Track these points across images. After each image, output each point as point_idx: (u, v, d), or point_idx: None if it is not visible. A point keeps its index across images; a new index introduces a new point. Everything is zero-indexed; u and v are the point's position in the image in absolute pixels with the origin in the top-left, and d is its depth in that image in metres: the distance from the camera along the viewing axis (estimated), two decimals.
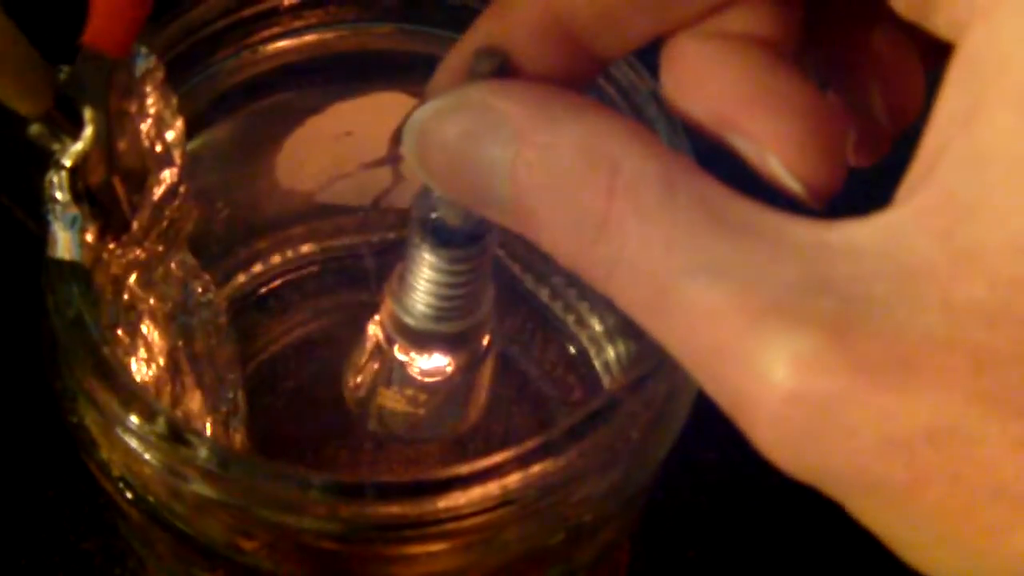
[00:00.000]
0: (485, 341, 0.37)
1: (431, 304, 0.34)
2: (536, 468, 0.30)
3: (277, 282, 0.49)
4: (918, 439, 0.19)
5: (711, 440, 0.52)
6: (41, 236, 0.32)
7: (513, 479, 0.29)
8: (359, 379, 0.39)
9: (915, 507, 0.20)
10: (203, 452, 0.29)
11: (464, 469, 0.29)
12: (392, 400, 0.38)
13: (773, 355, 0.20)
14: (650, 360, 0.31)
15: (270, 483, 0.29)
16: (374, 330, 0.37)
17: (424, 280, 0.33)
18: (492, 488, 0.29)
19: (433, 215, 0.31)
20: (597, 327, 0.47)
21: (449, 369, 0.37)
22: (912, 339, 0.19)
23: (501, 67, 0.25)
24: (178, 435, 0.29)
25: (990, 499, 0.19)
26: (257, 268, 0.48)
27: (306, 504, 0.29)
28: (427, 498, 0.29)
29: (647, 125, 0.35)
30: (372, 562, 0.32)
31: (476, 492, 0.29)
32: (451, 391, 0.38)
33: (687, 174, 0.22)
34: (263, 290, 0.49)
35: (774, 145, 0.24)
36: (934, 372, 0.19)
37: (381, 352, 0.37)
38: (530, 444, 0.30)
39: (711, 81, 0.25)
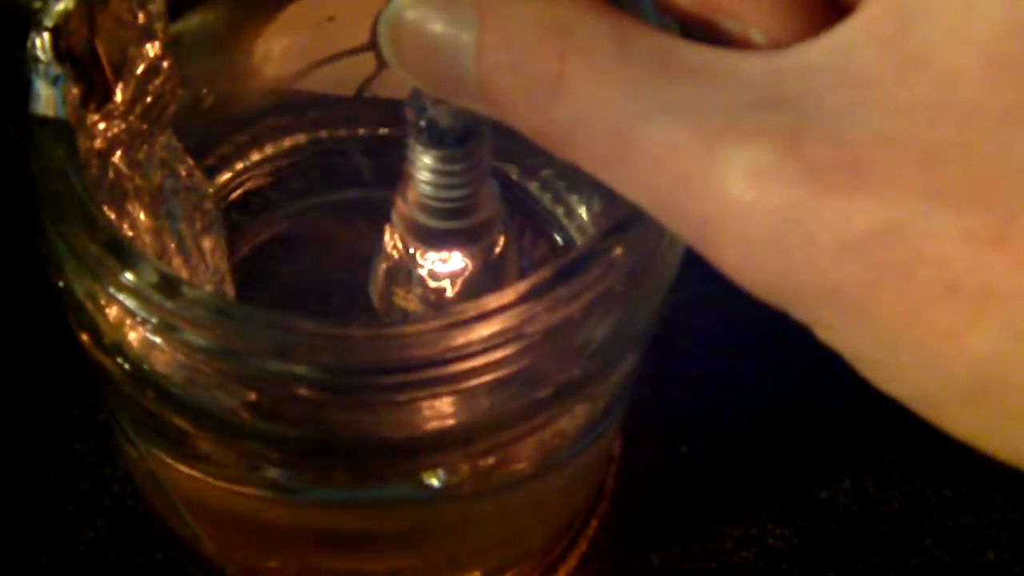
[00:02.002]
0: (500, 241, 0.38)
1: (432, 203, 0.35)
2: (517, 314, 0.30)
3: (261, 180, 0.49)
4: (870, 239, 0.19)
5: (701, 336, 0.53)
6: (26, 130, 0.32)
7: (498, 322, 0.30)
8: (380, 282, 0.39)
9: (872, 312, 0.20)
10: (194, 299, 0.29)
11: (449, 315, 0.30)
12: (412, 302, 0.39)
13: (730, 171, 0.20)
14: (623, 213, 0.31)
15: (261, 328, 0.29)
16: (389, 233, 0.38)
17: (423, 181, 0.34)
18: (477, 331, 0.30)
19: (425, 115, 0.32)
20: (584, 216, 0.47)
21: (465, 268, 0.37)
22: (862, 142, 0.20)
23: None
24: (170, 285, 0.30)
25: (943, 297, 0.19)
26: (240, 165, 0.48)
27: (294, 349, 0.29)
28: (412, 341, 0.29)
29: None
30: (359, 419, 0.32)
31: (460, 338, 0.30)
32: (473, 291, 0.38)
33: (639, 30, 0.23)
34: (247, 187, 0.49)
35: (758, 19, 0.24)
36: (884, 171, 0.20)
37: (397, 254, 0.38)
38: (512, 291, 0.30)
39: None
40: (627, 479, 0.51)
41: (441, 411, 0.32)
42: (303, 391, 0.31)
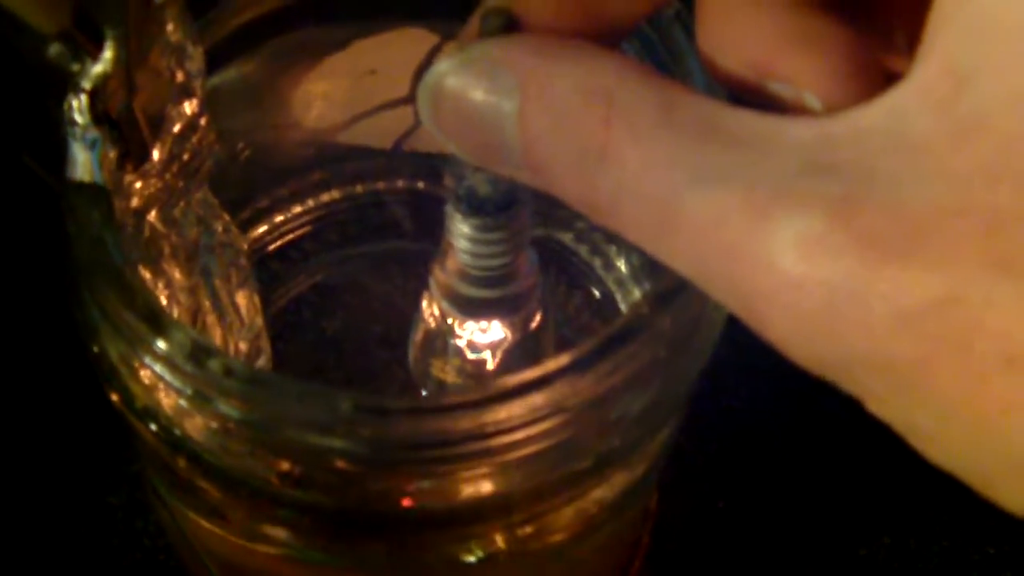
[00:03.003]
0: (539, 311, 0.37)
1: (471, 271, 0.34)
2: (561, 387, 0.29)
3: (298, 232, 0.49)
4: (928, 311, 0.19)
5: (739, 389, 0.52)
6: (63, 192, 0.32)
7: (538, 397, 0.29)
8: (417, 352, 0.39)
9: (927, 385, 0.19)
10: (229, 371, 0.29)
11: (490, 389, 0.29)
12: (450, 374, 0.38)
13: (780, 242, 0.20)
14: (672, 280, 0.31)
15: (297, 401, 0.29)
16: (427, 303, 0.37)
17: (462, 249, 0.33)
18: (518, 406, 0.29)
19: (464, 183, 0.32)
20: (623, 269, 0.46)
21: (505, 339, 0.37)
22: (919, 210, 0.19)
23: (509, 24, 0.26)
24: (203, 355, 0.29)
25: (1002, 370, 0.18)
26: (279, 218, 0.48)
27: (332, 423, 0.29)
28: (452, 416, 0.29)
29: (675, 52, 0.35)
30: (398, 488, 0.32)
31: (501, 412, 0.29)
32: (513, 361, 0.38)
33: (684, 96, 0.22)
34: (285, 240, 0.49)
35: (812, 84, 0.24)
36: (942, 241, 0.19)
37: (434, 323, 0.37)
38: (555, 363, 0.29)
39: (744, 29, 0.25)
40: (664, 535, 0.50)
41: (479, 484, 0.31)
42: (339, 463, 0.30)
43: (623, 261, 0.47)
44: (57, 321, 0.34)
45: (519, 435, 0.29)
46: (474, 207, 0.32)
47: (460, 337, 0.36)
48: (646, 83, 0.23)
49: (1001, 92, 0.19)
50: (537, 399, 0.29)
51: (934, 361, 0.19)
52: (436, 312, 0.36)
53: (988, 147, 0.19)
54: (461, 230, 0.33)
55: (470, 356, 0.37)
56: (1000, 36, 0.19)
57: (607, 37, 0.26)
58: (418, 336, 0.38)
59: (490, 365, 0.37)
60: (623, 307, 0.47)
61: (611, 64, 0.23)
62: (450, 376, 0.38)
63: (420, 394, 0.40)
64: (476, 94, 0.24)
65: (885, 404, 0.20)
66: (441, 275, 0.35)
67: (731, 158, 0.21)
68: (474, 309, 0.35)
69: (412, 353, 0.39)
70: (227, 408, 0.29)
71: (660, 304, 0.30)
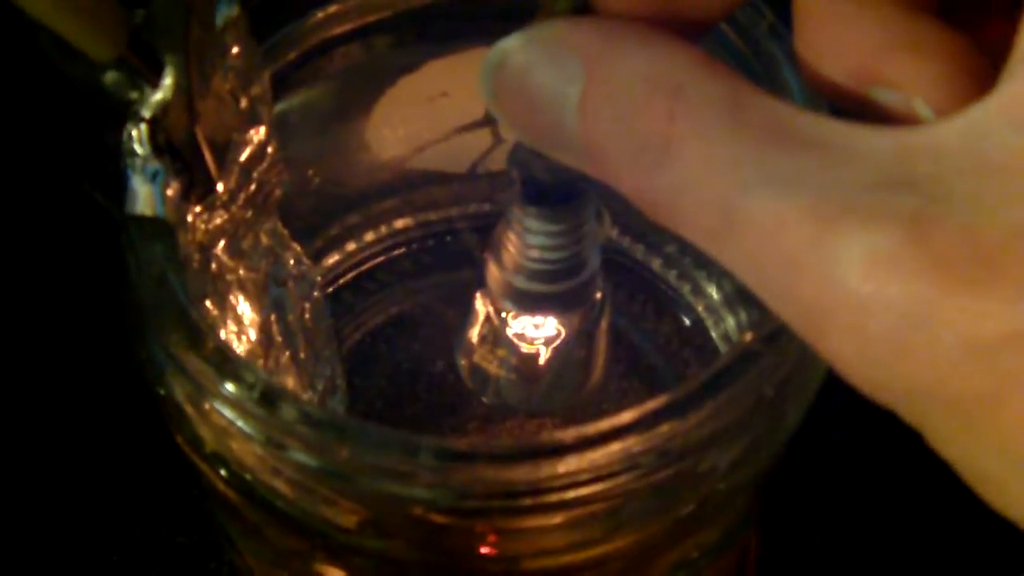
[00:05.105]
0: (597, 308, 0.36)
1: (530, 264, 0.33)
2: (663, 429, 0.27)
3: (372, 261, 0.47)
4: (1001, 344, 0.17)
5: (833, 420, 0.50)
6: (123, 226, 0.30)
7: (637, 441, 0.27)
8: (471, 350, 0.38)
9: (994, 424, 0.18)
10: (302, 418, 0.27)
11: (584, 431, 0.27)
12: (501, 369, 0.37)
13: (847, 258, 0.19)
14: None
15: (375, 449, 0.27)
16: (481, 298, 0.36)
17: (522, 241, 0.32)
18: (614, 451, 0.27)
19: (526, 171, 0.30)
20: (715, 295, 0.44)
21: (560, 333, 0.36)
22: (997, 235, 0.18)
23: (579, 5, 0.24)
24: (275, 400, 0.27)
25: None
26: (351, 247, 0.47)
27: (413, 471, 0.27)
28: (543, 462, 0.27)
29: (770, 67, 0.33)
30: (484, 537, 0.30)
31: (597, 455, 0.27)
32: (566, 358, 0.36)
33: (754, 94, 0.21)
34: (358, 270, 0.47)
35: (923, 89, 0.23)
36: (1020, 270, 0.18)
37: (489, 320, 0.36)
38: (655, 403, 0.27)
39: (847, 33, 0.24)
40: (760, 571, 0.48)
41: (575, 533, 0.29)
42: (420, 512, 0.28)
43: (714, 288, 0.45)
44: (123, 355, 0.32)
45: (614, 482, 0.27)
46: (534, 197, 0.30)
47: (513, 332, 0.35)
48: (716, 78, 0.21)
49: None
50: (634, 442, 0.27)
51: (1003, 399, 0.18)
52: (490, 309, 0.35)
53: None
54: (523, 220, 0.31)
55: (523, 350, 0.36)
56: None
57: (683, 30, 0.24)
58: (470, 333, 0.37)
59: (542, 360, 0.36)
60: (714, 335, 0.45)
61: (680, 55, 0.22)
62: (500, 371, 0.37)
63: (502, 430, 0.39)
64: (539, 75, 0.23)
65: (949, 443, 0.19)
66: (496, 269, 0.33)
67: (800, 163, 0.20)
68: (530, 304, 0.34)
69: (463, 352, 0.38)
70: (302, 456, 0.28)
71: (770, 341, 0.28)
